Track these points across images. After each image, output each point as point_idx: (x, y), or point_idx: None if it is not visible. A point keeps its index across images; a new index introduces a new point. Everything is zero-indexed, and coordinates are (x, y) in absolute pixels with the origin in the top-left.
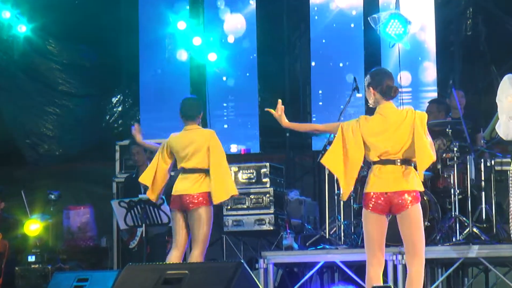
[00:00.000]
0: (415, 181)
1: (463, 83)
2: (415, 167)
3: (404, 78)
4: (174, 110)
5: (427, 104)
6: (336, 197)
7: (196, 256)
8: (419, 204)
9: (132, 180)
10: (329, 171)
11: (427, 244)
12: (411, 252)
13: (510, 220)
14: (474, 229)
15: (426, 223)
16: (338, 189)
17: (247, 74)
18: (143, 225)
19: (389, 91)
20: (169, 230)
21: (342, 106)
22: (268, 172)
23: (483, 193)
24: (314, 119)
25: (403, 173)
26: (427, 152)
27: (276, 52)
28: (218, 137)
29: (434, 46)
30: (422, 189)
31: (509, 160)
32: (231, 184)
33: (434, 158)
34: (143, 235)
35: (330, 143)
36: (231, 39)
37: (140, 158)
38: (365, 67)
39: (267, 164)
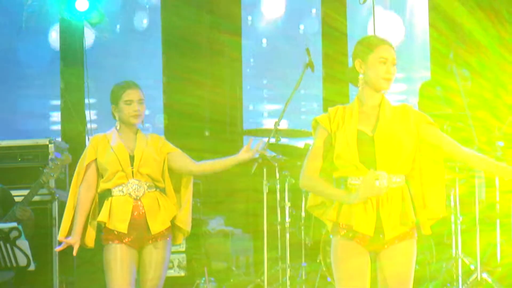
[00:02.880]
0: None
1: (468, 57)
2: None
3: None
4: (40, 98)
5: (421, 86)
6: (279, 228)
7: None
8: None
9: None
10: (268, 188)
11: None
12: None
13: None
14: (484, 276)
15: None
16: (282, 216)
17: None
18: None
19: None
20: (17, 277)
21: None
22: None
23: (498, 221)
24: (250, 107)
25: None
26: None
27: (189, 7)
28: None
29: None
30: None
31: None
32: None
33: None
34: None
35: (270, 147)
36: None
37: None
38: (322, 32)
39: None
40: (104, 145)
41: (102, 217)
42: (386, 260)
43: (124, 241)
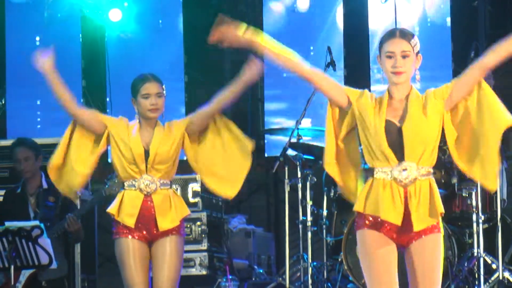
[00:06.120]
0: None
1: None
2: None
3: None
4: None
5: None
6: (300, 226)
7: None
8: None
9: (15, 198)
10: (290, 187)
11: None
12: None
13: None
14: (506, 274)
15: None
16: (304, 214)
17: (169, 42)
18: (11, 267)
19: None
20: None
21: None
22: (199, 188)
23: None
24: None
25: None
26: None
27: (210, 6)
28: None
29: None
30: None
31: None
32: None
33: None
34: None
35: (292, 145)
36: None
37: (29, 166)
38: (344, 31)
39: (198, 176)
40: (124, 131)
41: (112, 209)
42: (414, 253)
43: (133, 235)
